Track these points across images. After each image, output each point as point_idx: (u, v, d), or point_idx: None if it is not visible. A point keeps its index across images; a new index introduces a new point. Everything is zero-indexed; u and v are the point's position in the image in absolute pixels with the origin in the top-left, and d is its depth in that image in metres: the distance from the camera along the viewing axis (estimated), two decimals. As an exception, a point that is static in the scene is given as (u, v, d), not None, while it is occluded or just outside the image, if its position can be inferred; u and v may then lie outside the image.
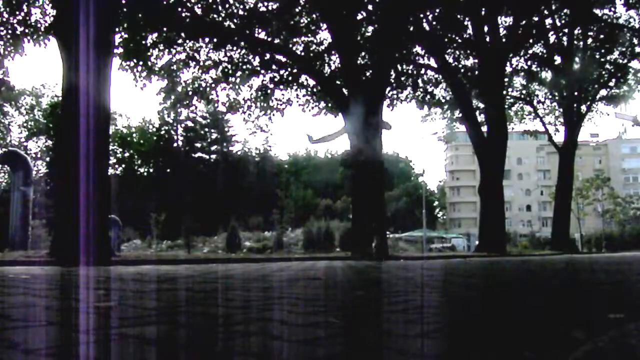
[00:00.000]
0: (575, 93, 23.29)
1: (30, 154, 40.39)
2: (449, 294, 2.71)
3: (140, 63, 14.23)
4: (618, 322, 1.46)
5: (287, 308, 1.94)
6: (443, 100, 19.55)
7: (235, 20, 14.51)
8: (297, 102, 16.74)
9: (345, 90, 13.39)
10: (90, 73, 7.03)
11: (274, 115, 16.88)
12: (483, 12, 18.08)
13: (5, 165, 22.28)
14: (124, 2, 10.53)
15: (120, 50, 13.25)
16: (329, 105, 16.69)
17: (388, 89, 15.38)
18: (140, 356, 1.13)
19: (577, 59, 23.13)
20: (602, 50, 22.31)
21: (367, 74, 13.98)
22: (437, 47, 17.15)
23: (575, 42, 23.06)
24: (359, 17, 14.16)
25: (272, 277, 3.95)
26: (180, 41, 14.68)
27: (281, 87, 16.33)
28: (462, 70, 19.56)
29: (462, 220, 78.91)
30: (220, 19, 14.26)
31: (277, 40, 15.20)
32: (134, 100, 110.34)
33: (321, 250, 15.01)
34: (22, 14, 10.35)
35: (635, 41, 21.90)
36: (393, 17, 12.96)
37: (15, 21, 10.31)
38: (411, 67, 17.29)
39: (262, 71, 15.82)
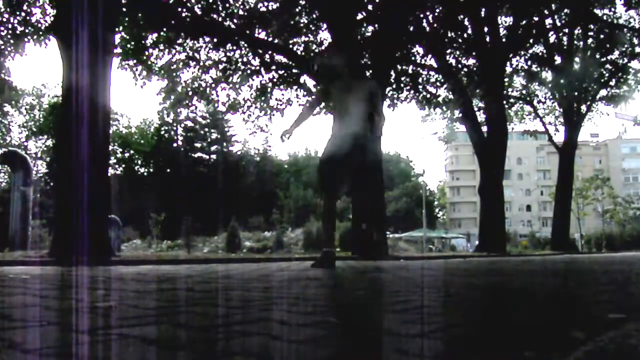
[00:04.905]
0: (575, 93, 23.31)
1: (30, 154, 40.41)
2: (449, 293, 2.71)
3: (140, 62, 14.29)
4: (618, 322, 1.46)
5: (287, 308, 1.94)
6: (442, 101, 19.54)
7: (235, 20, 14.52)
8: (297, 102, 16.74)
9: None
10: (90, 73, 7.03)
11: (274, 115, 16.88)
12: (483, 12, 18.10)
13: (5, 165, 22.28)
14: (124, 2, 10.53)
15: (120, 50, 13.30)
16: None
17: (388, 89, 15.38)
18: (140, 356, 1.13)
19: (577, 59, 23.15)
20: (602, 50, 22.33)
21: (367, 74, 13.97)
22: (437, 47, 17.16)
23: (575, 42, 23.08)
24: (359, 17, 14.16)
25: (272, 277, 3.95)
26: (180, 41, 14.70)
27: (281, 87, 16.34)
28: (463, 70, 19.56)
29: (462, 220, 79.02)
30: (220, 19, 14.28)
31: (277, 41, 15.21)
32: (134, 100, 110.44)
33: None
34: (23, 14, 10.36)
35: (635, 41, 21.92)
36: (393, 17, 12.97)
37: (15, 21, 10.32)
38: (411, 67, 17.28)
39: (263, 71, 15.83)
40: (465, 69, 19.58)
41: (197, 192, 42.26)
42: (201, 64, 15.60)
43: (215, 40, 14.81)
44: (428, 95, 18.63)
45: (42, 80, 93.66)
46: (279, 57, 15.62)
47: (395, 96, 16.75)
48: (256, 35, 15.03)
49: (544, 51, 22.26)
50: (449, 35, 17.96)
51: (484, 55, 17.97)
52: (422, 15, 15.72)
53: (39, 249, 9.57)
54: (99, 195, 7.10)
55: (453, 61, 19.21)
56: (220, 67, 15.69)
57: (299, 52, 15.73)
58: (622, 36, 21.34)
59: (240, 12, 14.57)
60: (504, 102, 20.74)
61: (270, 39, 15.25)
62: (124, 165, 48.46)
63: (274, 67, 15.81)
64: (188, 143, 50.30)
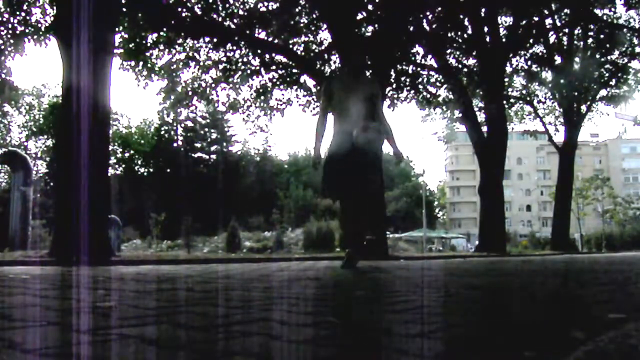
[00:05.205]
0: (575, 93, 23.30)
1: (30, 154, 40.41)
2: (449, 293, 2.71)
3: (141, 63, 14.29)
4: (618, 322, 1.46)
5: (287, 308, 1.94)
6: (442, 101, 19.54)
7: (235, 20, 14.52)
8: (297, 102, 16.73)
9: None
10: (90, 73, 7.03)
11: (274, 115, 16.88)
12: (483, 12, 18.09)
13: (5, 165, 22.28)
14: (124, 2, 10.53)
15: (121, 50, 13.30)
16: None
17: (388, 89, 15.37)
18: (140, 356, 1.13)
19: (577, 59, 23.14)
20: (602, 50, 22.32)
21: (367, 73, 13.95)
22: (437, 47, 17.15)
23: (575, 42, 23.07)
24: (359, 17, 14.15)
25: (272, 277, 3.95)
26: (180, 41, 14.70)
27: (281, 87, 16.33)
28: (463, 71, 19.56)
29: (462, 220, 79.05)
30: (220, 19, 14.27)
31: (277, 41, 15.20)
32: (134, 100, 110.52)
33: (321, 250, 15.01)
34: (23, 14, 10.35)
35: (635, 41, 21.91)
36: (393, 17, 12.97)
37: (15, 21, 10.31)
38: (411, 67, 17.28)
39: (262, 71, 15.83)
40: (465, 69, 19.58)
41: (197, 192, 42.24)
42: (201, 64, 15.60)
43: (215, 40, 14.80)
44: (428, 95, 18.61)
45: (42, 80, 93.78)
46: (279, 57, 15.61)
47: (395, 96, 16.73)
48: (256, 35, 15.02)
49: (544, 51, 22.25)
50: (449, 35, 17.96)
51: (484, 55, 17.97)
52: (422, 15, 15.71)
53: (39, 249, 9.57)
54: (99, 195, 7.09)
55: (453, 61, 19.21)
56: (220, 67, 15.68)
57: (299, 52, 15.72)
58: (622, 36, 21.33)
59: (240, 12, 14.56)
60: (504, 102, 20.73)
61: (270, 39, 15.24)
62: (124, 165, 48.45)
63: (274, 67, 15.80)
64: (188, 143, 50.30)
